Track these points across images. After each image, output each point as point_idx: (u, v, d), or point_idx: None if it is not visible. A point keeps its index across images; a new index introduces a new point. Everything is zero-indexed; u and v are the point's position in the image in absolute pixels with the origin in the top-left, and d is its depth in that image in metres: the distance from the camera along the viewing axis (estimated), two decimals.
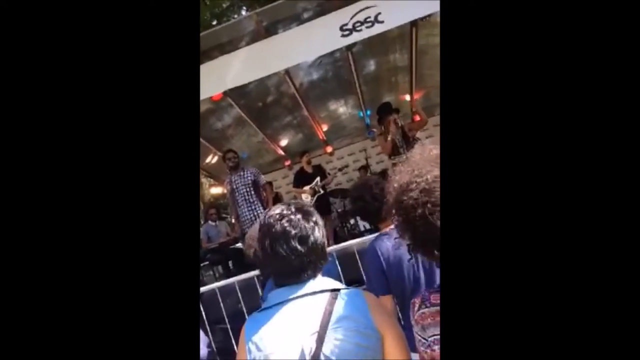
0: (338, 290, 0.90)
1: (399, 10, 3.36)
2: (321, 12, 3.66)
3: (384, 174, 5.50)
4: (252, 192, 3.78)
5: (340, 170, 5.36)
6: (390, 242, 1.47)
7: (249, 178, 3.80)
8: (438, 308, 0.69)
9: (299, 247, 0.91)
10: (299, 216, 0.94)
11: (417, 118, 5.14)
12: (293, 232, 0.92)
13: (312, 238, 0.93)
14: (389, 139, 3.69)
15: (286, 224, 0.93)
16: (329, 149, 6.28)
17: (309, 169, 4.82)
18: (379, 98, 5.40)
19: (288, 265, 0.92)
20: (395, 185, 0.74)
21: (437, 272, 1.38)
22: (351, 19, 3.37)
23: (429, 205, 0.67)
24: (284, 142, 6.12)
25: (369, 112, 5.66)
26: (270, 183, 5.95)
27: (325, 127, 5.94)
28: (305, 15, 3.82)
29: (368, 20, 3.36)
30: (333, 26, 3.40)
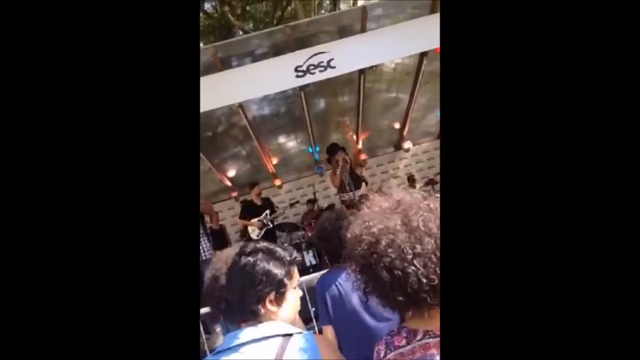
0: (290, 335, 0.89)
1: (350, 58, 3.64)
2: (276, 51, 3.83)
3: (331, 209, 5.64)
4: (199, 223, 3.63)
5: (292, 205, 5.38)
6: (337, 277, 1.55)
7: None
8: (402, 350, 0.72)
9: (247, 287, 0.91)
10: (259, 255, 0.95)
11: (363, 156, 5.45)
12: (247, 271, 0.93)
13: (235, 279, 0.93)
14: (337, 174, 3.85)
15: (244, 261, 0.94)
16: (278, 182, 6.30)
17: (258, 201, 4.77)
18: (327, 135, 5.65)
19: (235, 302, 0.92)
20: (349, 235, 0.79)
21: (376, 309, 1.42)
22: (305, 62, 3.57)
23: (374, 256, 0.72)
24: (231, 173, 6.02)
25: (317, 149, 5.85)
26: (216, 213, 5.75)
27: (274, 161, 5.99)
28: (260, 52, 3.96)
29: (321, 64, 3.58)
30: (288, 66, 3.57)
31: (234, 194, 6.21)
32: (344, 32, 3.85)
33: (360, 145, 5.51)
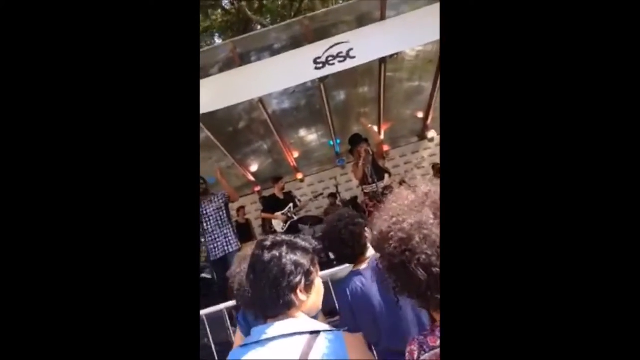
0: (318, 332, 0.89)
1: (370, 47, 3.56)
2: (295, 44, 3.80)
3: (353, 201, 5.60)
4: (225, 216, 3.70)
5: (316, 197, 5.39)
6: (361, 281, 1.49)
7: (222, 201, 3.73)
8: (438, 351, 0.68)
9: (251, 275, 0.93)
10: (284, 247, 0.95)
11: (385, 147, 5.35)
12: (276, 263, 0.93)
13: (264, 272, 0.93)
14: (359, 166, 3.79)
15: (269, 255, 0.94)
16: (300, 176, 6.31)
17: (280, 195, 4.80)
18: (348, 128, 5.58)
19: (266, 297, 0.92)
20: (375, 233, 0.76)
21: (410, 311, 1.38)
22: (324, 53, 3.52)
23: (407, 253, 0.68)
24: (253, 168, 6.08)
25: (338, 141, 5.80)
26: (243, 207, 5.85)
27: (296, 154, 5.99)
28: (279, 45, 3.93)
29: (340, 55, 3.52)
30: (307, 59, 3.53)
31: (257, 188, 6.28)
32: (363, 21, 3.76)
33: (382, 136, 5.42)
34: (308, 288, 0.95)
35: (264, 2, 9.70)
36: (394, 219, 0.72)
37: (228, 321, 2.53)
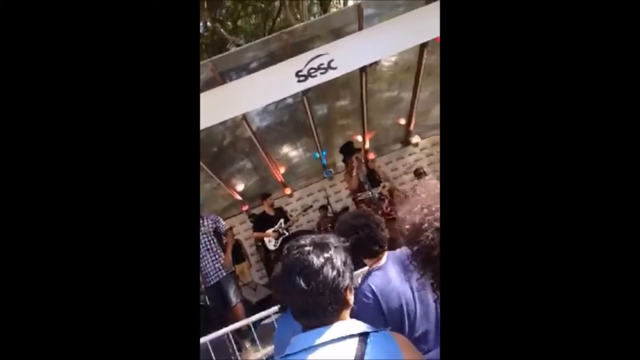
0: (367, 334, 0.84)
1: (350, 57, 3.60)
2: (274, 60, 3.79)
3: (345, 211, 5.56)
4: (215, 241, 3.56)
5: (305, 210, 5.31)
6: (383, 277, 1.46)
7: (210, 226, 3.60)
8: None
9: (302, 283, 0.86)
10: (309, 248, 0.90)
11: (371, 156, 5.38)
12: (300, 265, 0.88)
13: (320, 276, 0.87)
14: (353, 175, 3.78)
15: (321, 259, 0.88)
16: (288, 191, 6.24)
17: (271, 212, 4.71)
18: (333, 139, 5.59)
19: (301, 301, 0.87)
20: (407, 226, 0.72)
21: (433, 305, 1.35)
22: (306, 65, 3.53)
23: None
24: (240, 187, 5.97)
25: (324, 153, 5.79)
26: (230, 229, 5.69)
27: (282, 169, 5.93)
28: (256, 64, 3.92)
29: (322, 67, 3.53)
30: (289, 72, 3.53)
31: (245, 207, 6.16)
32: (341, 32, 3.81)
33: (367, 146, 5.44)
34: (351, 288, 0.93)
35: (238, 22, 9.78)
36: (426, 210, 0.69)
37: (233, 345, 2.41)
